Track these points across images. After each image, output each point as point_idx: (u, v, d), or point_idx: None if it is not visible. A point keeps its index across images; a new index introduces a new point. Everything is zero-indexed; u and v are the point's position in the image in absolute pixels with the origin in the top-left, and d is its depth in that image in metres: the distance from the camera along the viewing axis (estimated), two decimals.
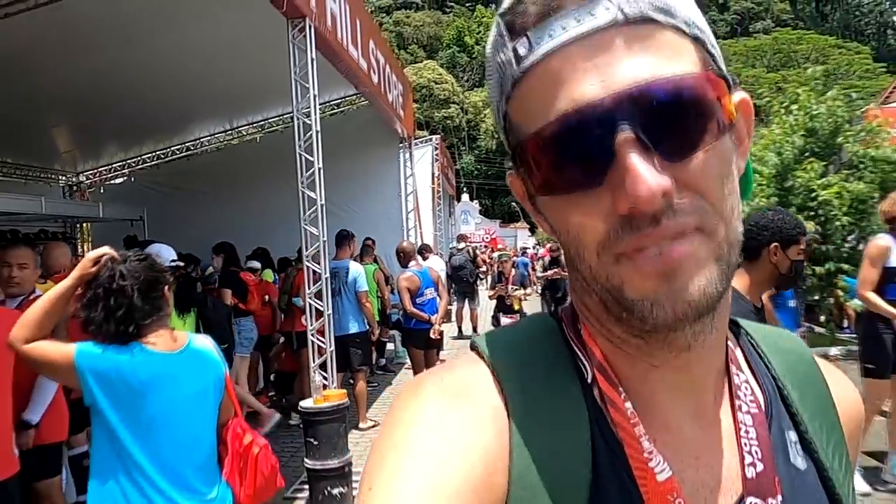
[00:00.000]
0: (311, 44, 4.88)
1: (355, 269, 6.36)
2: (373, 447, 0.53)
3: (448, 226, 18.09)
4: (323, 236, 4.94)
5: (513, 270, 9.28)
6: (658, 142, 0.46)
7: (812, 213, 7.86)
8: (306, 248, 4.95)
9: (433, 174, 13.34)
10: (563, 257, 4.42)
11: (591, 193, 0.48)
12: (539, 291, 9.49)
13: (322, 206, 4.94)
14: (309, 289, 4.94)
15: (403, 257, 6.51)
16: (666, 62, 0.48)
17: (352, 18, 6.35)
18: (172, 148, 10.65)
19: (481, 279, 15.46)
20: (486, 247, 26.17)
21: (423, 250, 8.58)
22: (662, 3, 0.49)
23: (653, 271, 0.47)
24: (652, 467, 0.52)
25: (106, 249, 2.09)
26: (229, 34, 6.37)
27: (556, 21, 0.48)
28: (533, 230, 42.43)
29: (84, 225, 10.83)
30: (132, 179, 11.06)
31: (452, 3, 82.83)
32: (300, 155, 4.94)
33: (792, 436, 0.60)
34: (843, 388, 0.67)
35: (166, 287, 2.18)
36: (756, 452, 0.55)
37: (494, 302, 9.40)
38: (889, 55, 65.42)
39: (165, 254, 4.29)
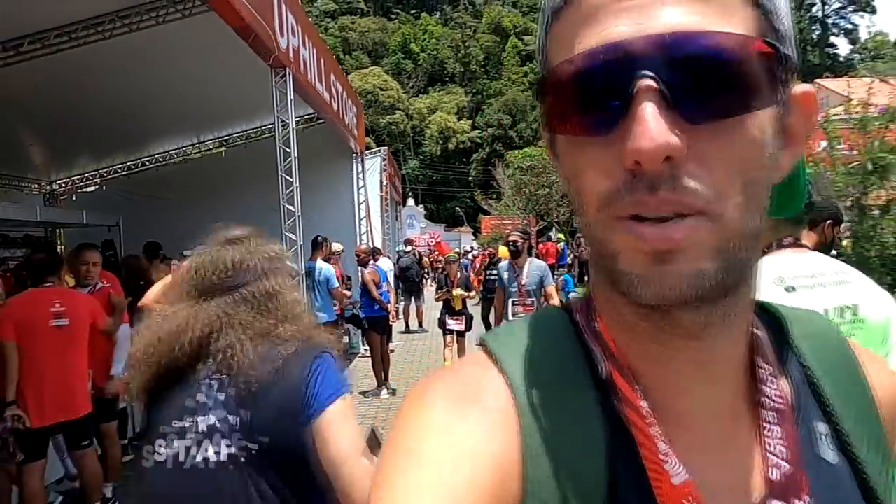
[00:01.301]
0: (290, 88, 6.16)
1: (327, 269, 7.62)
2: (381, 455, 0.53)
3: (395, 230, 19.45)
4: (300, 241, 6.23)
5: (458, 273, 9.87)
6: (681, 98, 0.42)
7: None
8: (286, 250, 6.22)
9: (381, 183, 14.69)
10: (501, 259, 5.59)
11: (602, 141, 0.45)
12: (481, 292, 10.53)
13: (299, 216, 6.23)
14: None
15: (363, 258, 7.83)
16: (712, 19, 0.44)
17: (317, 59, 7.64)
18: (143, 159, 11.62)
19: (426, 279, 16.85)
20: (431, 250, 27.54)
21: (375, 253, 9.89)
22: None
23: (647, 247, 0.44)
24: (667, 469, 0.49)
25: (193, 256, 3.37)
26: (197, 65, 7.42)
27: None
28: (476, 234, 43.96)
29: (60, 230, 11.68)
30: (104, 188, 11.96)
31: (398, 10, 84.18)
32: (281, 176, 6.22)
33: (822, 428, 0.56)
34: (882, 372, 0.62)
35: None
36: (781, 451, 0.52)
37: (441, 304, 9.68)
38: (807, 69, 70.29)
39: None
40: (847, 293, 2.12)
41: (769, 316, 0.62)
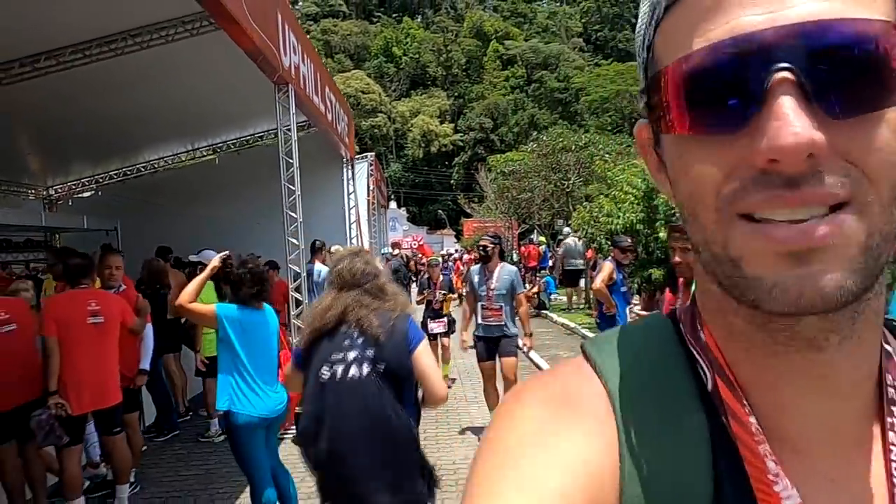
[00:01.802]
0: (292, 103, 6.61)
1: (326, 271, 8.08)
2: (476, 454, 0.52)
3: (381, 233, 19.88)
4: (301, 245, 6.68)
5: (440, 276, 9.76)
6: (821, 92, 0.40)
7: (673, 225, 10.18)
8: (288, 254, 6.67)
9: (369, 188, 15.12)
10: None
11: (727, 139, 0.42)
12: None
13: (301, 223, 6.68)
14: (292, 284, 6.67)
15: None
16: (851, 5, 0.40)
17: (314, 74, 8.09)
18: (138, 165, 11.96)
19: (413, 281, 17.29)
20: (414, 252, 28.01)
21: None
22: None
23: (782, 247, 0.40)
24: (777, 491, 0.46)
25: (226, 254, 3.83)
26: (199, 79, 7.84)
27: None
28: (458, 236, 44.41)
29: (57, 234, 11.98)
30: (99, 193, 12.27)
31: (379, 14, 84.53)
32: (284, 185, 6.66)
33: None
34: None
35: (266, 279, 3.92)
36: None
37: (423, 307, 9.82)
38: None
39: (210, 255, 5.91)
40: None
41: None
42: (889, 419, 0.49)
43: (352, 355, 2.60)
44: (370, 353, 2.60)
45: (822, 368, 0.47)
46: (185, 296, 3.69)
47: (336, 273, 2.80)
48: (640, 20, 0.51)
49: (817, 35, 0.40)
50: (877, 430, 0.50)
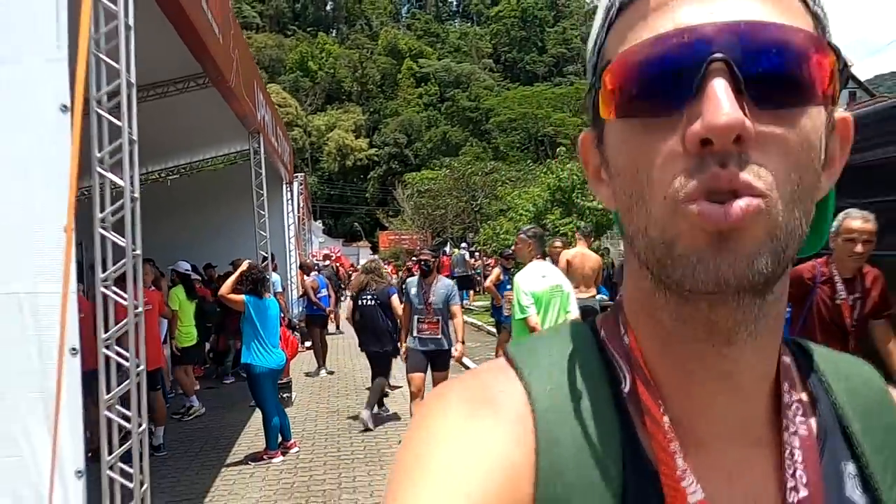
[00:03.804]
0: (262, 147, 8.59)
1: (275, 277, 10.01)
2: (397, 456, 0.54)
3: (308, 245, 21.70)
4: (269, 255, 8.64)
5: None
6: (750, 83, 0.44)
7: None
8: (259, 262, 8.61)
9: (299, 205, 16.99)
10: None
11: (667, 122, 0.46)
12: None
13: (268, 239, 8.65)
14: None
15: (307, 269, 10.31)
16: (781, 16, 0.46)
17: (270, 117, 10.07)
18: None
19: (343, 288, 19.19)
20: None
21: (309, 266, 12.33)
22: None
23: (710, 227, 0.43)
24: (684, 487, 0.49)
25: (248, 262, 5.85)
26: (183, 119, 9.53)
27: None
28: (374, 249, 46.06)
29: None
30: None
31: (294, 27, 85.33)
32: (256, 210, 8.62)
33: (850, 468, 0.54)
34: None
35: (265, 279, 5.96)
36: (801, 477, 0.51)
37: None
38: None
39: (184, 265, 7.80)
40: None
41: (802, 350, 0.61)
42: (784, 420, 0.53)
43: (369, 297, 6.89)
44: (374, 296, 6.85)
45: (729, 365, 0.50)
46: (224, 289, 5.72)
47: (364, 267, 7.50)
48: (594, 27, 0.55)
49: (751, 33, 0.44)
50: (772, 431, 0.53)
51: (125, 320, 3.17)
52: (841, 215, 3.35)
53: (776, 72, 0.45)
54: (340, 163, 66.69)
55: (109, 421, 3.09)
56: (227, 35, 6.13)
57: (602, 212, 13.04)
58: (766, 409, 0.54)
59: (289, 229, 14.12)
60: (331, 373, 10.20)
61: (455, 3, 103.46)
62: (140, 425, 3.21)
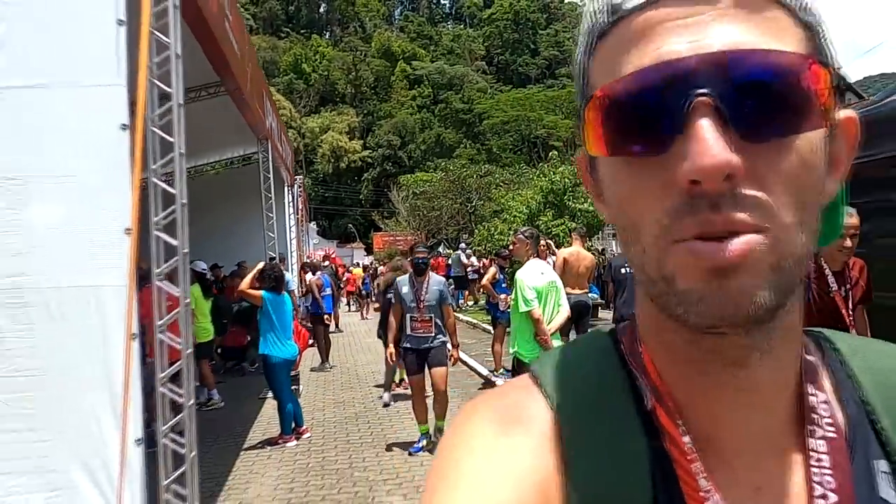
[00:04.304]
0: (270, 153, 9.06)
1: (288, 277, 10.49)
2: (428, 474, 0.55)
3: (306, 246, 22.16)
4: (277, 256, 9.11)
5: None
6: (737, 117, 0.43)
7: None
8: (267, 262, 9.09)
9: (298, 207, 17.43)
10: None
11: (653, 161, 0.45)
12: None
13: (276, 240, 9.11)
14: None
15: (313, 268, 10.77)
16: (767, 38, 0.44)
17: (276, 123, 10.54)
18: None
19: (342, 288, 19.65)
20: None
21: (315, 266, 12.78)
22: None
23: (708, 263, 0.43)
24: None
25: (263, 264, 6.32)
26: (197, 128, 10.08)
27: None
28: (369, 250, 46.46)
29: None
30: None
31: (287, 30, 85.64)
32: (265, 214, 9.08)
33: (883, 466, 0.52)
34: None
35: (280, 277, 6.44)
36: (828, 482, 0.50)
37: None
38: None
39: (201, 265, 8.25)
40: None
41: (829, 343, 0.60)
42: (809, 426, 0.52)
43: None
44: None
45: (746, 382, 0.50)
46: (244, 285, 6.22)
47: (392, 265, 8.41)
48: (577, 48, 0.54)
49: (735, 63, 0.43)
50: (798, 438, 0.52)
51: (177, 309, 3.63)
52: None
53: (764, 101, 0.43)
54: (334, 164, 67.03)
55: (163, 396, 3.56)
56: (243, 50, 6.60)
57: (593, 213, 13.55)
58: (790, 417, 0.53)
59: (290, 230, 14.57)
60: (332, 367, 10.68)
61: (448, 5, 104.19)
62: (189, 400, 3.67)
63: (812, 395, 0.54)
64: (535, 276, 5.35)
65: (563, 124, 48.06)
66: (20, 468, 3.36)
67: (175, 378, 3.63)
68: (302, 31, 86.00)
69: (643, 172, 0.46)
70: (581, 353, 0.60)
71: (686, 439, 0.51)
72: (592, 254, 9.50)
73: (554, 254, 9.01)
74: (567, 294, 6.04)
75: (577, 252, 7.88)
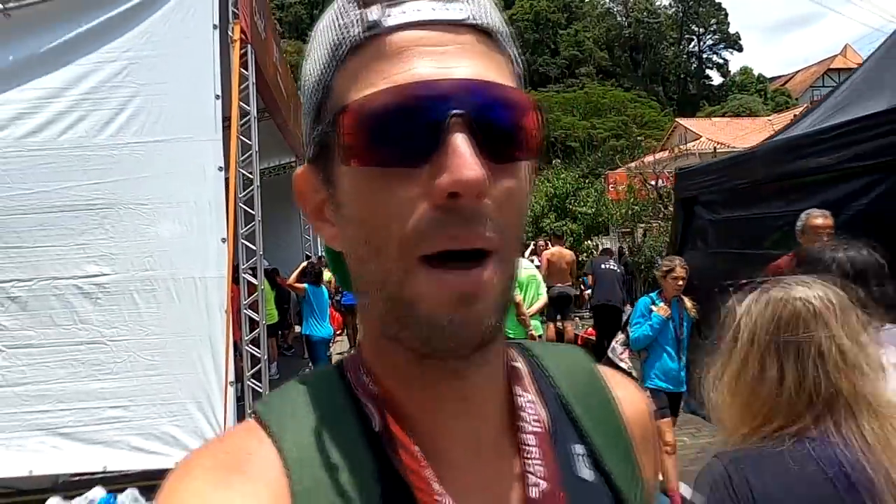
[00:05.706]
0: None
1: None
2: None
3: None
4: (314, 256, 10.75)
5: None
6: (484, 139, 0.46)
7: None
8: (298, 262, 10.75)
9: None
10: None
11: (409, 172, 0.47)
12: None
13: (311, 241, 10.73)
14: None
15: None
16: (501, 76, 0.50)
17: None
18: None
19: None
20: None
21: None
22: (503, 32, 0.53)
23: (455, 292, 0.46)
24: None
25: (305, 263, 7.93)
26: None
27: (411, 2, 0.49)
28: None
29: None
30: None
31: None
32: (303, 219, 10.69)
33: (578, 449, 0.61)
34: (627, 390, 0.68)
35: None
36: (539, 471, 0.55)
37: None
38: (686, 99, 79.34)
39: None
40: None
41: (528, 352, 0.67)
42: (519, 422, 0.58)
43: None
44: None
45: (464, 392, 0.54)
46: (291, 279, 7.87)
47: None
48: (313, 62, 0.54)
49: (480, 91, 0.47)
50: (512, 436, 0.58)
51: (255, 293, 5.25)
52: (803, 215, 3.78)
53: (505, 128, 0.48)
54: None
55: (247, 353, 5.19)
56: (288, 90, 8.20)
57: (592, 216, 14.98)
58: (504, 419, 0.59)
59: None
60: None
61: None
62: (264, 355, 5.30)
63: (520, 395, 0.60)
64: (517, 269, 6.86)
65: (580, 125, 49.15)
66: (152, 402, 4.95)
67: (254, 341, 5.24)
68: None
69: (395, 186, 0.48)
70: (306, 388, 0.59)
71: (416, 448, 0.53)
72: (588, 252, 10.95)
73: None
74: (553, 286, 7.52)
75: (558, 251, 9.38)
